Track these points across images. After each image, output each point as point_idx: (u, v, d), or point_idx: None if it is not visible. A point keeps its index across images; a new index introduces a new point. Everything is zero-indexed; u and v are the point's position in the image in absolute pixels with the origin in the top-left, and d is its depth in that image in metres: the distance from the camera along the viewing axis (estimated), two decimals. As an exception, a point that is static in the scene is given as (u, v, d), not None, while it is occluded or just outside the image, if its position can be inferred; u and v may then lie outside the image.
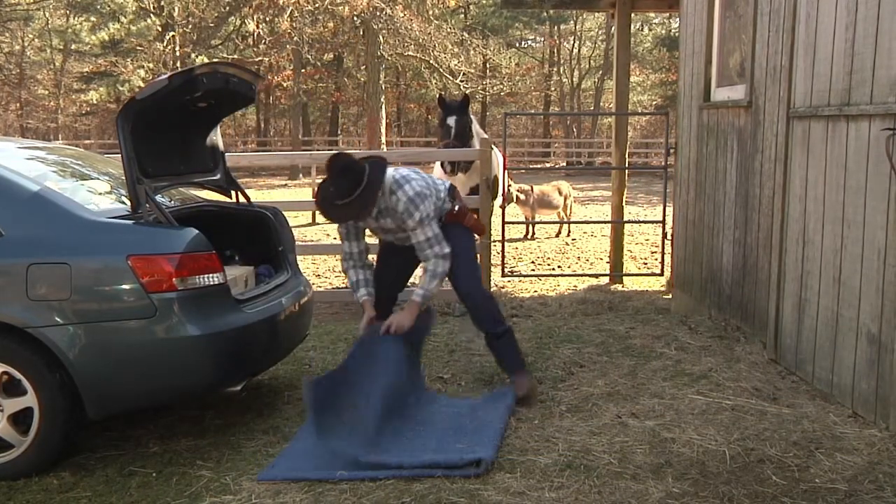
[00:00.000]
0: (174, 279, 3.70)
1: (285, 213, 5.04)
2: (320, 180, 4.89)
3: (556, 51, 43.25)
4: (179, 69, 5.35)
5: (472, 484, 3.49)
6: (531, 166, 28.69)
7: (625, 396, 4.60)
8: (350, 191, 4.10)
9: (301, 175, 28.26)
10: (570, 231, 13.06)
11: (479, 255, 8.48)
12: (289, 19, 20.59)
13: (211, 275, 3.86)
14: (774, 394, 4.56)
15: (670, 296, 7.54)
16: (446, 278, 4.49)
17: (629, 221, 11.09)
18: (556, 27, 41.30)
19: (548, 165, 30.60)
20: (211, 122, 4.82)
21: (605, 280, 8.75)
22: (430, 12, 18.69)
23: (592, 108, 39.87)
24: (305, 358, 5.53)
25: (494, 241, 7.66)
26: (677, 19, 9.08)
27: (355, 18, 17.30)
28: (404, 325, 4.32)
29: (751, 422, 4.13)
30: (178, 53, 25.91)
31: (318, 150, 31.02)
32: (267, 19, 23.91)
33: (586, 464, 3.68)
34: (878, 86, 3.97)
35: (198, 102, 4.37)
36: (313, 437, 4.03)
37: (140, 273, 3.67)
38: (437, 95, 8.11)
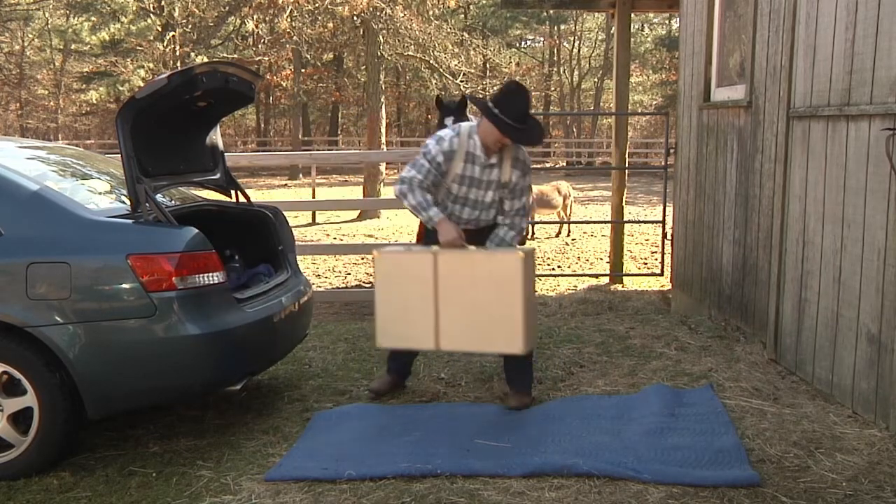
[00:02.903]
0: (174, 278, 3.70)
1: (285, 213, 5.04)
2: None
3: (556, 51, 43.26)
4: (179, 69, 5.35)
5: (472, 484, 3.49)
6: (531, 166, 28.66)
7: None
8: (527, 116, 4.11)
9: (301, 175, 28.27)
10: (570, 231, 13.06)
11: None
12: (288, 19, 20.57)
13: (211, 274, 3.86)
14: (774, 394, 4.55)
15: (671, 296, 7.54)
16: None
17: (629, 221, 11.10)
18: (556, 27, 41.31)
19: (548, 165, 30.59)
20: (211, 121, 4.82)
21: (605, 280, 8.75)
22: (430, 12, 18.67)
23: (592, 108, 39.87)
24: (305, 358, 5.53)
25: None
26: (677, 19, 9.08)
27: (355, 18, 17.28)
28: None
29: (751, 422, 4.13)
30: (178, 53, 25.89)
31: (318, 150, 31.07)
32: (266, 19, 23.90)
33: (586, 464, 3.68)
34: (878, 86, 3.97)
35: (197, 102, 4.37)
36: (320, 436, 4.04)
37: (140, 272, 3.67)
38: (436, 96, 8.13)
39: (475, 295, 3.99)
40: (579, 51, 42.73)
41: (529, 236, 12.65)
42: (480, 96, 4.44)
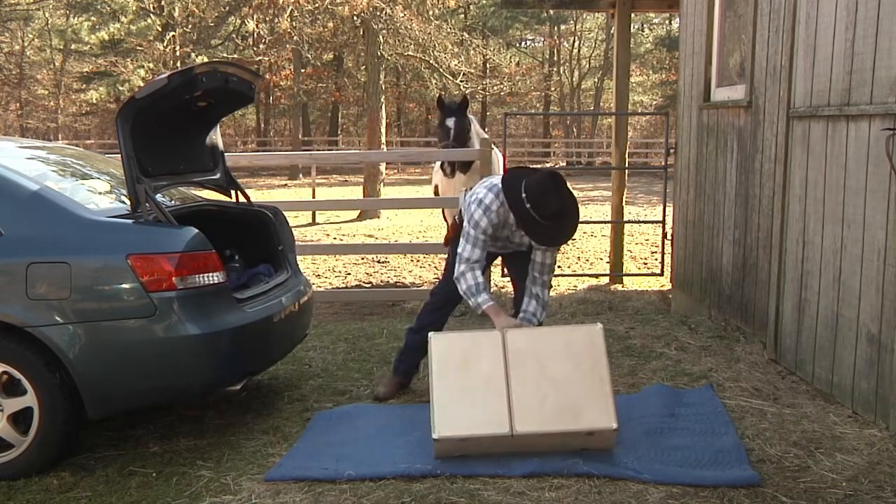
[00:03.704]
0: (174, 278, 3.70)
1: (285, 213, 5.04)
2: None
3: (556, 51, 43.26)
4: (179, 69, 5.35)
5: (472, 484, 3.49)
6: (531, 166, 28.69)
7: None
8: (562, 212, 3.99)
9: (301, 175, 28.27)
10: (570, 231, 13.03)
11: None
12: (288, 19, 20.57)
13: (211, 274, 3.86)
14: (774, 394, 4.56)
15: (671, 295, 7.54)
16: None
17: (629, 221, 11.09)
18: (556, 27, 41.31)
19: (548, 165, 30.59)
20: (211, 121, 4.82)
21: (605, 280, 8.75)
22: (430, 12, 18.68)
23: (592, 108, 39.86)
24: (305, 358, 5.53)
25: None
26: (677, 19, 9.08)
27: (355, 18, 17.29)
28: None
29: (751, 422, 4.13)
30: (178, 53, 25.88)
31: (318, 150, 31.06)
32: (266, 19, 23.90)
33: (586, 464, 3.67)
34: (878, 86, 3.97)
35: (197, 102, 4.37)
36: (320, 436, 4.03)
37: (140, 272, 3.67)
38: (437, 96, 8.13)
39: (553, 372, 3.78)
40: (579, 51, 42.71)
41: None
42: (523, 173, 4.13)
